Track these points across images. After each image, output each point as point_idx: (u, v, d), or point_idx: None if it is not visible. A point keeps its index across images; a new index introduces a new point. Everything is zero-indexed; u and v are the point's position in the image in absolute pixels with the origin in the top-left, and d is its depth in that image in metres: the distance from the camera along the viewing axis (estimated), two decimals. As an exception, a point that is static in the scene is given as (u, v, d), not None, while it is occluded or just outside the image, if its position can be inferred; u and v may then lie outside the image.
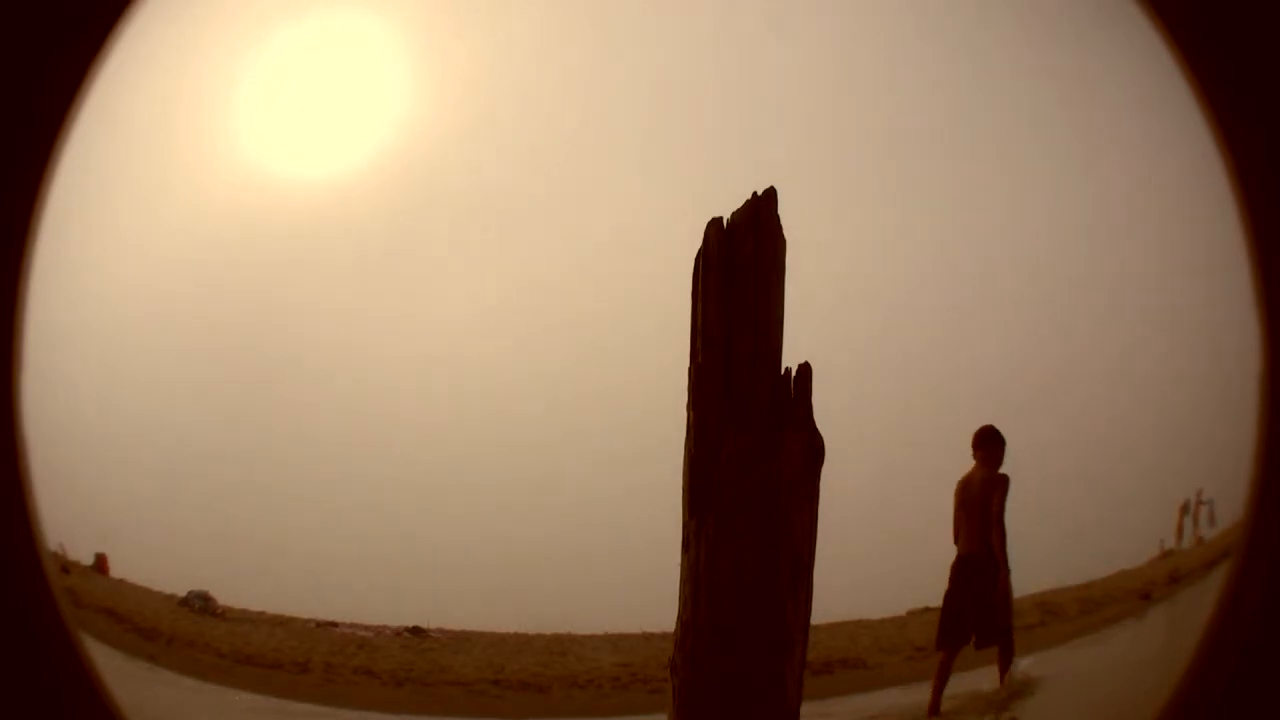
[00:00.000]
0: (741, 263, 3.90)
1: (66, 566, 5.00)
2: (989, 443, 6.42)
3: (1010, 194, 7.19)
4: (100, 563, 6.18)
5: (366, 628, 7.43)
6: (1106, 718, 4.89)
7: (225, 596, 7.04)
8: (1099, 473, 6.59)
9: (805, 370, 3.91)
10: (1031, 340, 7.01)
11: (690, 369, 3.93)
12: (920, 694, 6.38)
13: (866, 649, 6.86)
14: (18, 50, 2.52)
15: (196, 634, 6.82)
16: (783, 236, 3.94)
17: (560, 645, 7.24)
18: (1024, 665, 6.44)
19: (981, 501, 6.30)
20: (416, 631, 7.48)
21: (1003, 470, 6.37)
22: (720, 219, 3.96)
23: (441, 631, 7.37)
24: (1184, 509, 5.89)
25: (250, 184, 7.26)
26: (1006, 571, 6.18)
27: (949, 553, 6.95)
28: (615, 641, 7.07)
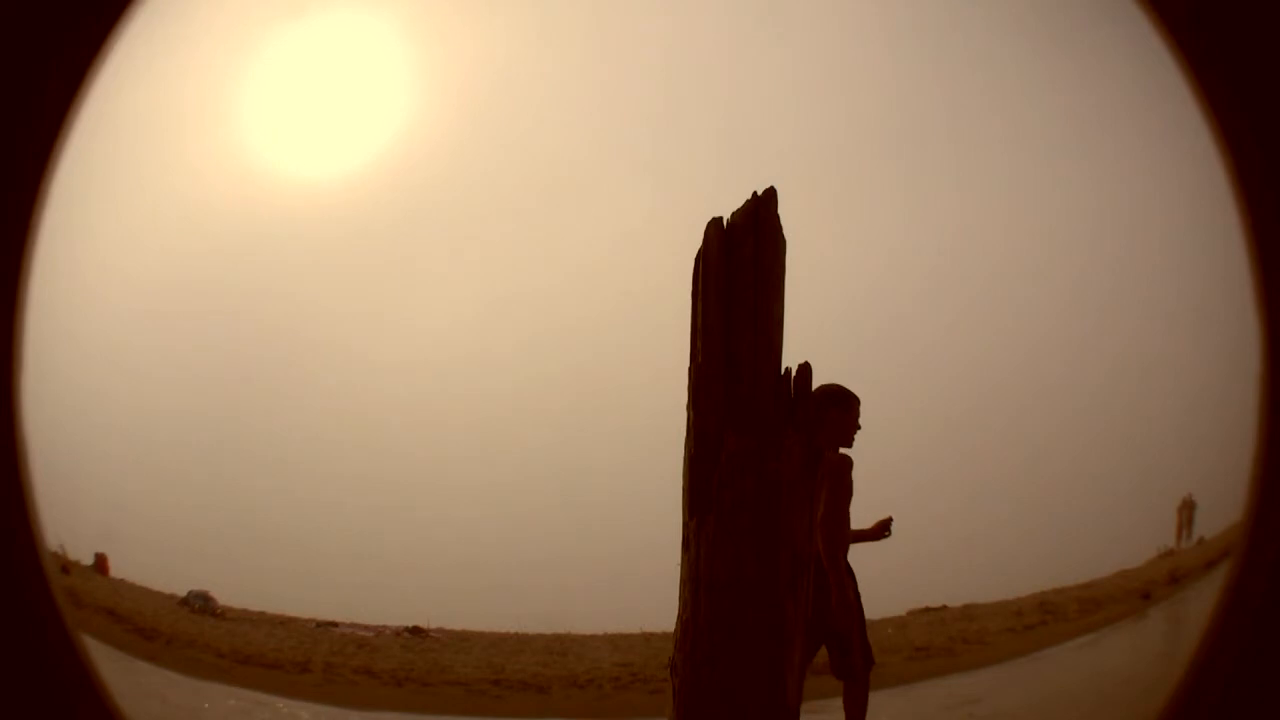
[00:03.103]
0: (741, 263, 3.90)
1: (66, 566, 5.00)
2: (821, 408, 4.37)
3: (1010, 194, 7.18)
4: (100, 563, 6.18)
5: (366, 628, 7.44)
6: (1106, 718, 4.89)
7: (225, 596, 7.05)
8: (1099, 473, 6.58)
9: (805, 370, 3.90)
10: (1031, 340, 7.01)
11: (690, 369, 3.93)
12: (921, 693, 6.37)
13: (866, 649, 6.85)
14: (18, 50, 2.53)
15: (196, 634, 6.83)
16: (783, 236, 3.93)
17: (560, 645, 7.24)
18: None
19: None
20: (416, 631, 7.49)
21: (846, 450, 4.62)
22: (720, 219, 3.95)
23: (441, 631, 7.38)
24: (1182, 509, 5.90)
25: (251, 184, 7.25)
26: (840, 591, 4.61)
27: (948, 553, 6.94)
28: (615, 641, 7.07)
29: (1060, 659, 6.43)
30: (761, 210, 3.93)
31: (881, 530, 4.91)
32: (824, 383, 4.46)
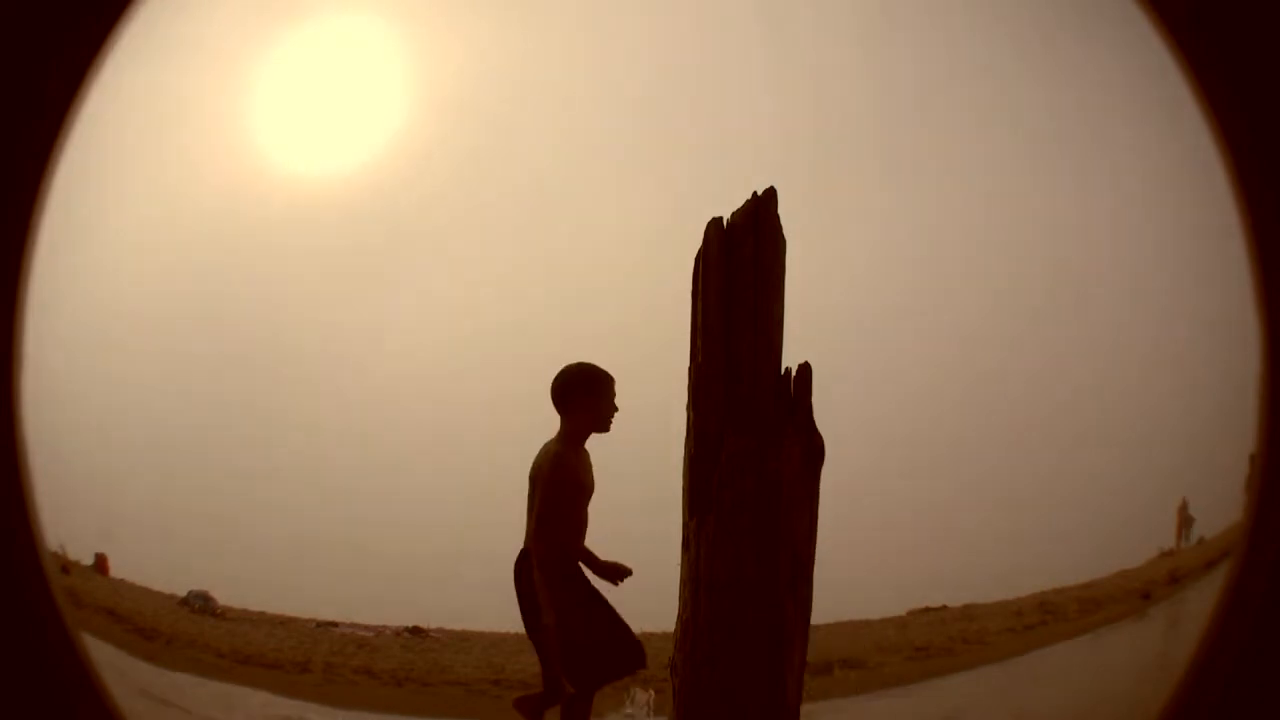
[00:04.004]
0: (741, 263, 3.90)
1: (66, 566, 5.00)
2: (566, 396, 4.40)
3: (1009, 194, 7.18)
4: (100, 563, 6.18)
5: (366, 628, 7.44)
6: (1107, 718, 4.89)
7: (225, 596, 7.05)
8: (1099, 473, 6.58)
9: (805, 370, 3.91)
10: (1031, 340, 7.01)
11: (690, 369, 3.94)
12: (922, 693, 6.36)
13: (866, 649, 6.86)
14: (18, 50, 2.53)
15: (196, 634, 6.83)
16: (783, 236, 3.94)
17: (560, 645, 7.22)
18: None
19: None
20: (416, 631, 7.49)
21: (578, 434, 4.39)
22: (720, 219, 3.96)
23: (441, 631, 7.38)
24: (1182, 510, 5.90)
25: (249, 184, 7.25)
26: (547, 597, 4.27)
27: (948, 553, 6.94)
28: (615, 641, 7.06)
29: (1060, 659, 6.43)
30: (761, 210, 3.94)
31: (613, 573, 4.46)
32: (571, 363, 4.43)
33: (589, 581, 4.42)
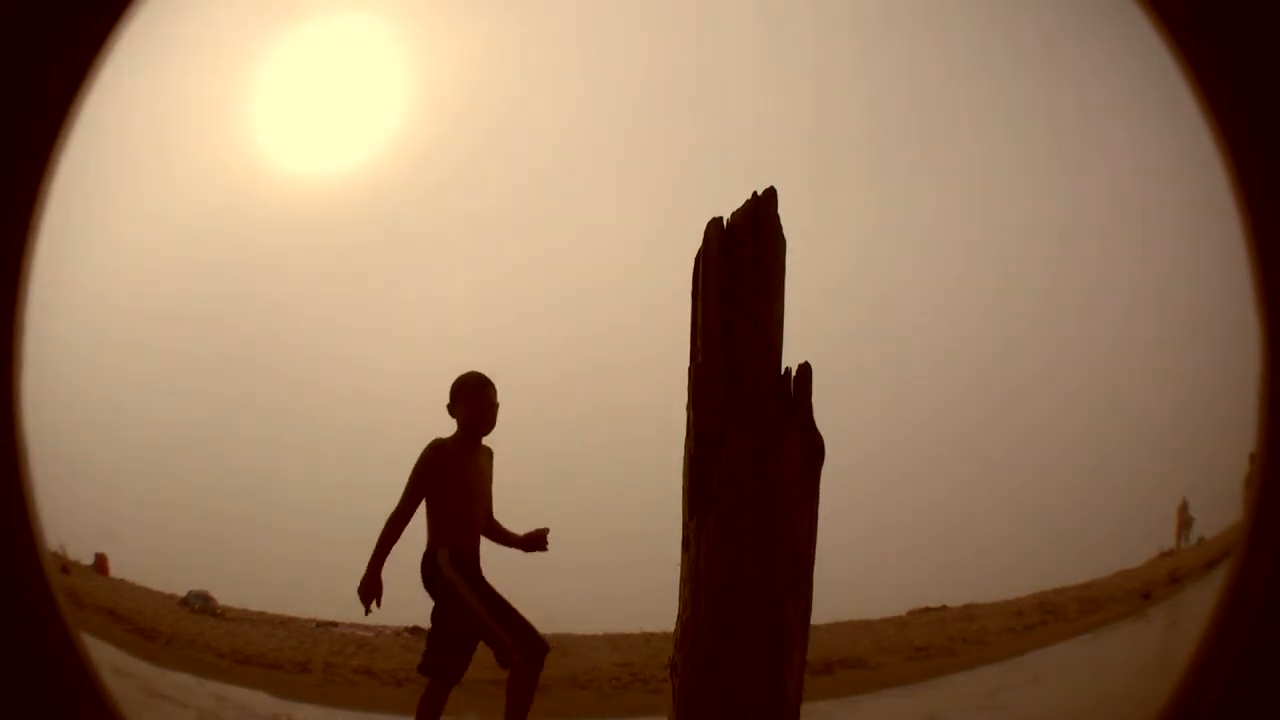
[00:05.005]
0: (741, 263, 3.90)
1: (66, 566, 5.00)
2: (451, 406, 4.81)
3: (1009, 194, 7.18)
4: (100, 563, 6.18)
5: (366, 628, 7.44)
6: (1107, 718, 4.89)
7: (225, 596, 7.05)
8: (1099, 473, 6.58)
9: (805, 370, 3.90)
10: (1031, 341, 7.01)
11: (690, 369, 3.93)
12: (922, 694, 6.36)
13: (866, 649, 6.86)
14: (18, 50, 2.53)
15: (196, 634, 6.83)
16: (783, 236, 3.94)
17: (560, 645, 7.23)
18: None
19: None
20: (416, 631, 7.49)
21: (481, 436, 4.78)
22: (720, 219, 3.95)
23: (441, 631, 7.38)
24: (1181, 510, 5.90)
25: (247, 185, 7.25)
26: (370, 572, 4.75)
27: (948, 553, 6.93)
28: (615, 641, 7.07)
29: (1060, 659, 6.43)
30: (761, 210, 3.94)
31: (534, 541, 4.91)
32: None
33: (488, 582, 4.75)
